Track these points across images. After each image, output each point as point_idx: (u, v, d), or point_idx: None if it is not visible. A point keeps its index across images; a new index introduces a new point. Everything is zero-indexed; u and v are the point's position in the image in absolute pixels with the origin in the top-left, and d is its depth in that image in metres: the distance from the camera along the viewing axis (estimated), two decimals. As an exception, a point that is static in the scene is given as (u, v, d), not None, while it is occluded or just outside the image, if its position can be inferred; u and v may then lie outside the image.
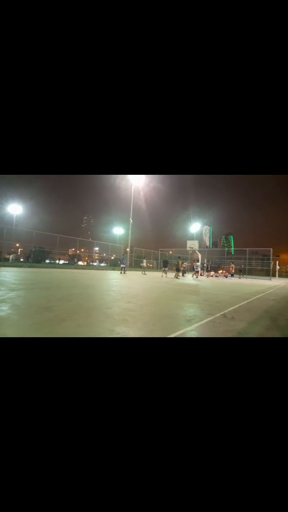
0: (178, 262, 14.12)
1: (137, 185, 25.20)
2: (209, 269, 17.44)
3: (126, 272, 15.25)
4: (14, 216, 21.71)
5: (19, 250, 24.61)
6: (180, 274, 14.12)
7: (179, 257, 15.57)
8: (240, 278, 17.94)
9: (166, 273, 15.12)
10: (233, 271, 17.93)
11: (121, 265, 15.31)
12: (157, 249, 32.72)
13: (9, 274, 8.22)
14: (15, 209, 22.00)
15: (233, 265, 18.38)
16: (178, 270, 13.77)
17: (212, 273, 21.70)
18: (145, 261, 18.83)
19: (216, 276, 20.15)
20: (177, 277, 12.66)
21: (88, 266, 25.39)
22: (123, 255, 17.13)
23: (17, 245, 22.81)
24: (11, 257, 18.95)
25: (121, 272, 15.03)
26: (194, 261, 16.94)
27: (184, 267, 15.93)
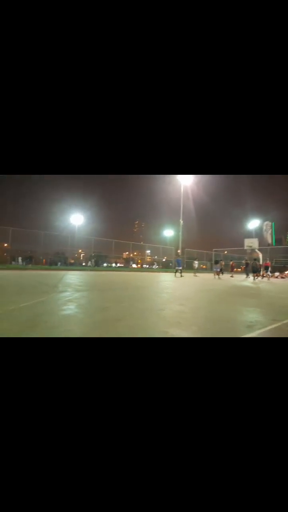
0: (254, 264, 12.95)
1: (186, 185, 24.74)
2: (269, 269, 15.14)
3: (182, 274, 13.63)
4: (76, 226, 24.60)
5: (81, 256, 27.66)
6: (258, 275, 13.06)
7: (254, 259, 14.26)
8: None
9: (218, 274, 14.03)
10: None
11: (177, 267, 13.59)
12: (210, 249, 31.15)
13: (74, 277, 9.32)
14: (77, 219, 24.89)
15: None
16: (255, 271, 12.70)
17: (277, 274, 19.10)
18: (196, 262, 17.96)
19: (282, 278, 17.64)
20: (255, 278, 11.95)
21: (141, 268, 26.33)
22: (179, 256, 15.85)
23: (80, 250, 25.75)
24: (19, 259, 18.53)
25: (175, 275, 13.30)
26: (249, 260, 15.00)
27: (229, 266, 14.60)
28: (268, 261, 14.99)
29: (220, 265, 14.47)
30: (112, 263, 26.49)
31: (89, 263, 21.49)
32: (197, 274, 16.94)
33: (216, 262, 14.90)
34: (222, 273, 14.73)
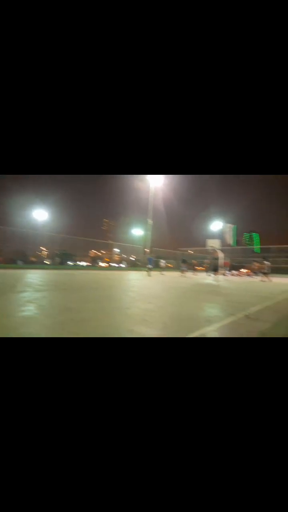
0: (215, 263, 13.80)
1: (155, 186, 25.20)
2: (225, 267, 16.55)
3: (150, 273, 13.76)
4: (40, 222, 22.98)
5: (44, 254, 25.97)
6: (218, 274, 13.93)
7: (215, 259, 15.20)
8: (265, 277, 16.93)
9: (184, 273, 14.88)
10: (264, 269, 16.48)
11: (148, 265, 13.93)
12: (176, 248, 32.38)
13: (35, 276, 8.71)
14: (41, 214, 23.27)
15: (266, 263, 16.78)
16: (215, 270, 13.59)
17: (235, 272, 20.88)
18: (163, 261, 18.59)
19: (239, 276, 19.35)
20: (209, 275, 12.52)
21: (109, 267, 25.96)
22: (149, 255, 15.99)
23: (43, 248, 24.13)
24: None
25: (148, 274, 13.37)
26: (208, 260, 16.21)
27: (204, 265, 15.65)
28: (227, 261, 16.24)
29: (187, 264, 15.37)
30: (78, 262, 25.48)
31: (53, 261, 20.28)
32: (163, 272, 17.48)
33: (184, 261, 15.67)
34: (187, 271, 15.52)
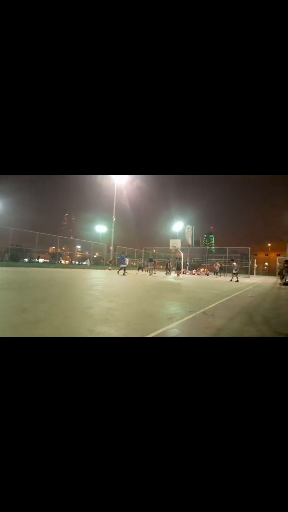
0: (179, 262, 14.57)
1: (120, 183, 24.99)
2: (184, 266, 17.96)
3: (125, 273, 12.34)
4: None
5: (-5, 248, 23.26)
6: (180, 272, 14.86)
7: (180, 258, 15.98)
8: (220, 276, 18.54)
9: (150, 271, 15.29)
10: (218, 268, 18.26)
11: (121, 265, 12.63)
12: (140, 247, 32.79)
13: (-16, 273, 7.75)
14: (-9, 205, 20.69)
15: (218, 264, 18.65)
16: (178, 268, 14.57)
17: (194, 271, 22.28)
18: (127, 259, 18.45)
19: (198, 274, 20.71)
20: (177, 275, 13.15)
21: (70, 265, 24.74)
22: (122, 253, 14.46)
23: (-8, 243, 21.56)
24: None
25: (121, 273, 12.36)
26: (171, 260, 17.28)
27: (170, 266, 16.41)
28: (170, 260, 17.69)
29: (153, 263, 15.83)
30: (35, 258, 23.56)
31: (4, 258, 18.25)
32: (127, 271, 17.51)
33: (150, 260, 16.14)
34: (143, 270, 16.02)
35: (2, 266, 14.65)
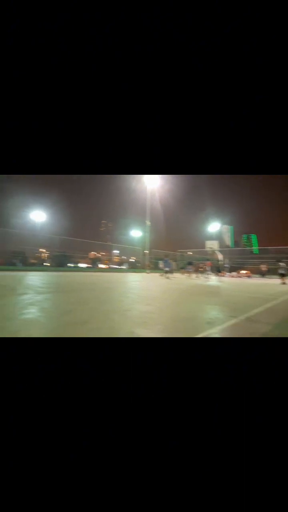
0: (218, 264, 14.07)
1: (152, 187, 25.29)
2: (223, 269, 16.75)
3: (170, 276, 12.47)
4: (38, 223, 22.96)
5: (44, 255, 25.94)
6: (222, 275, 14.30)
7: (219, 260, 15.36)
8: (266, 278, 16.99)
9: (190, 274, 14.91)
10: (265, 270, 16.61)
11: (165, 268, 12.67)
12: (175, 250, 32.46)
13: (36, 278, 8.70)
14: (39, 216, 23.26)
15: (265, 265, 16.96)
16: (218, 271, 14.05)
17: (234, 273, 20.96)
18: (161, 262, 18.38)
19: (238, 277, 19.42)
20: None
21: (109, 269, 25.94)
22: (166, 256, 14.58)
23: (42, 250, 24.12)
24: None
25: (165, 276, 12.39)
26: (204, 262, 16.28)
27: (203, 268, 15.73)
28: (209, 262, 16.32)
29: (193, 266, 15.29)
30: (77, 263, 25.45)
31: (52, 263, 20.24)
32: (163, 274, 17.47)
33: (190, 263, 15.71)
34: (192, 273, 15.56)
35: (49, 271, 16.21)
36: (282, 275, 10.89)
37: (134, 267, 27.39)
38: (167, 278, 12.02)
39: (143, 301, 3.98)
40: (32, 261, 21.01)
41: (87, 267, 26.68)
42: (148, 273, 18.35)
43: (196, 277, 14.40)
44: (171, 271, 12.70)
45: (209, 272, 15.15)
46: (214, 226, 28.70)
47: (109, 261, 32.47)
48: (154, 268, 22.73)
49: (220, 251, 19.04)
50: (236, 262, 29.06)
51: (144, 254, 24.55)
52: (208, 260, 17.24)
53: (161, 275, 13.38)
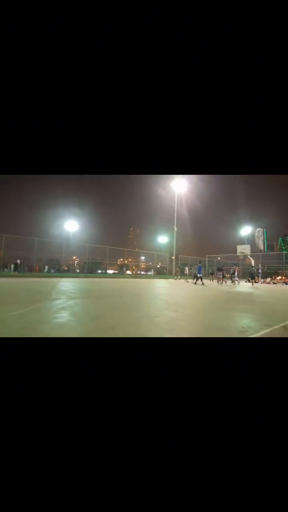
0: (252, 270, 13.47)
1: (179, 192, 25.16)
2: (256, 275, 15.44)
3: (200, 282, 12.34)
4: (71, 232, 24.51)
5: (75, 262, 27.47)
6: (255, 281, 13.79)
7: (252, 267, 14.58)
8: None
9: (221, 281, 14.28)
10: None
11: (198, 275, 12.53)
12: (203, 255, 31.52)
13: (67, 284, 9.22)
14: (72, 225, 24.81)
15: None
16: (252, 277, 13.52)
17: (269, 279, 19.42)
18: (187, 268, 17.88)
19: (274, 283, 17.92)
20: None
21: (136, 275, 26.28)
22: (199, 262, 14.33)
23: (74, 257, 25.59)
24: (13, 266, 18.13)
25: (195, 283, 12.37)
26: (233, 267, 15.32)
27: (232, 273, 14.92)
28: (237, 267, 15.27)
29: (223, 272, 14.64)
30: (106, 270, 26.32)
31: (83, 270, 21.33)
32: (188, 280, 17.04)
33: (219, 269, 15.12)
34: (222, 279, 14.96)
35: (81, 277, 17.04)
36: None
37: (161, 273, 27.29)
38: (196, 284, 11.82)
39: (170, 307, 3.93)
40: (65, 267, 22.37)
41: (114, 273, 27.40)
42: (176, 279, 18.08)
43: (223, 283, 13.72)
44: (196, 277, 12.47)
45: (236, 279, 14.29)
46: (246, 230, 27.26)
47: (136, 267, 32.91)
48: (181, 273, 22.35)
49: (253, 256, 17.92)
50: (271, 268, 27.00)
51: (171, 260, 24.32)
52: (236, 265, 16.32)
53: (187, 281, 13.16)
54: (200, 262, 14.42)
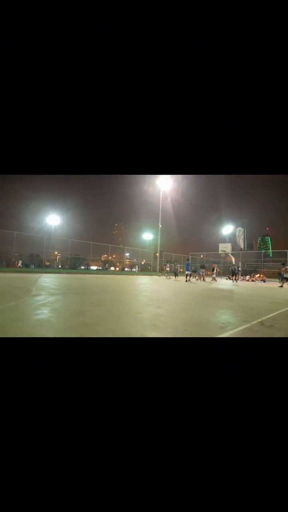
0: (233, 268, 14.19)
1: (165, 190, 25.29)
2: (236, 272, 16.18)
3: (191, 279, 12.60)
4: (53, 226, 23.69)
5: (57, 258, 26.69)
6: (234, 278, 14.61)
7: (233, 264, 15.18)
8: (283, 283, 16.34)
9: (202, 278, 14.69)
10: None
11: (186, 272, 12.66)
12: (186, 253, 32.15)
13: (49, 280, 8.94)
14: (54, 220, 23.99)
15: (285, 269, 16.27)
16: (233, 274, 14.23)
17: (248, 277, 20.34)
18: (168, 265, 17.96)
19: (252, 281, 18.81)
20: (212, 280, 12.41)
21: (120, 272, 26.15)
22: (187, 260, 14.42)
23: (56, 253, 24.85)
24: (20, 262, 19.10)
25: (186, 280, 12.48)
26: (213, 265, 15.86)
27: (218, 271, 15.43)
28: (214, 264, 15.81)
29: (205, 270, 15.09)
30: (89, 266, 25.87)
31: (65, 265, 20.78)
32: (170, 276, 17.21)
33: (202, 267, 15.49)
34: (204, 276, 15.37)
35: (63, 273, 16.60)
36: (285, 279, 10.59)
37: (145, 270, 27.43)
38: (187, 281, 12.07)
39: (153, 304, 3.97)
40: (47, 263, 21.67)
41: (98, 269, 27.06)
42: (159, 276, 18.21)
43: (204, 280, 14.16)
44: (175, 274, 13.09)
45: (214, 275, 14.84)
46: (227, 229, 28.18)
47: (120, 263, 32.75)
48: (162, 270, 22.59)
49: (233, 254, 18.61)
50: (250, 266, 28.27)
51: (155, 256, 24.52)
52: (215, 263, 16.86)
53: (167, 278, 13.70)
54: (188, 260, 14.69)
